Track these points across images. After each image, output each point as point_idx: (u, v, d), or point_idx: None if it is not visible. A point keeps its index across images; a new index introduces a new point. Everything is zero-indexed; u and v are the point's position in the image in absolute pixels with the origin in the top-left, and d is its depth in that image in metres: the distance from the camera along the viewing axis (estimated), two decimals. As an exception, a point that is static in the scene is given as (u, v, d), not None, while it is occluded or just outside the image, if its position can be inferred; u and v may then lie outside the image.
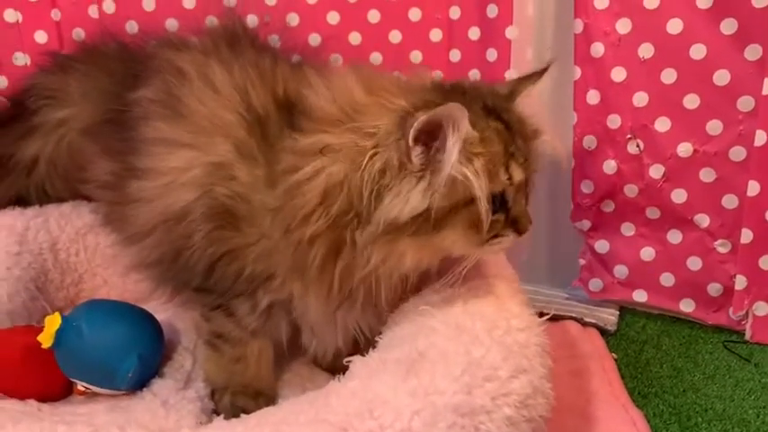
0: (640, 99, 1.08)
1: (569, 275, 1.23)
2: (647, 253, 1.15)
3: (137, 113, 0.92)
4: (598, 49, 1.08)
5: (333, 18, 1.20)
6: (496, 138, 0.73)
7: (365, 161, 0.70)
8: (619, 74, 1.08)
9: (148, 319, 0.92)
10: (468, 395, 0.64)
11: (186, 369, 0.91)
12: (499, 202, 0.74)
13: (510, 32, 1.15)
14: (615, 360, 1.04)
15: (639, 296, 1.17)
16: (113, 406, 0.85)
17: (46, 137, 1.10)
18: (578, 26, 1.09)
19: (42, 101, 1.11)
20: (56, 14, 1.21)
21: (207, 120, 0.84)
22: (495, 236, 0.75)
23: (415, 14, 1.19)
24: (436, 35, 1.20)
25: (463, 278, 0.86)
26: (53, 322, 0.83)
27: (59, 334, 0.83)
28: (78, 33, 1.23)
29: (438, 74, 1.11)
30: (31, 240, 1.04)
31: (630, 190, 1.12)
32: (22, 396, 0.87)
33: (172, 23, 1.21)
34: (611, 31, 1.07)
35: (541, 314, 0.83)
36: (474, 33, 1.19)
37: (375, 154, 0.70)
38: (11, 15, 1.19)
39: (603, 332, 1.12)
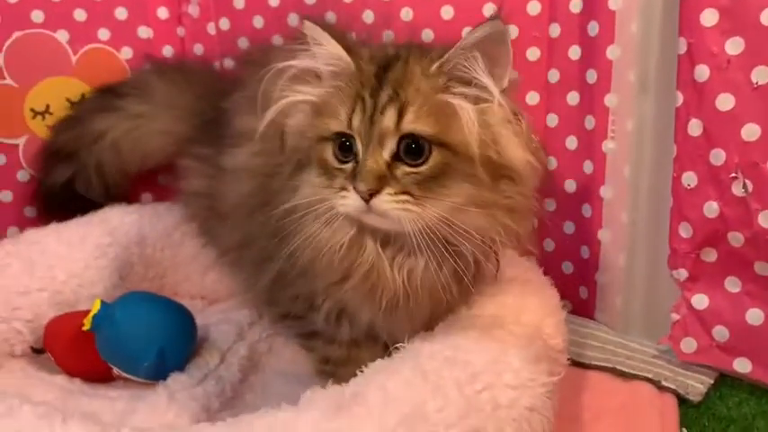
0: (750, 132, 0.91)
1: (665, 330, 1.06)
2: (755, 315, 0.96)
3: (229, 113, 0.99)
4: (703, 72, 0.93)
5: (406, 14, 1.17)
6: (357, 79, 0.72)
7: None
8: (726, 102, 0.92)
9: (182, 316, 0.96)
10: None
11: (209, 367, 0.94)
12: (353, 152, 0.71)
13: (611, 52, 1.05)
14: (683, 437, 0.88)
15: (741, 365, 0.98)
16: (135, 394, 0.90)
17: (120, 121, 1.20)
18: (682, 46, 0.95)
19: (130, 89, 1.21)
20: (181, 31, 1.33)
21: None
22: (343, 189, 0.71)
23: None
24: (534, 54, 1.13)
25: (486, 315, 0.81)
26: (94, 307, 0.91)
27: (96, 318, 0.90)
28: (199, 48, 1.34)
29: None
30: (122, 234, 1.14)
31: (735, 239, 0.95)
32: (72, 373, 0.96)
33: (278, 40, 1.27)
34: (719, 51, 0.92)
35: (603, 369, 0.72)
36: (575, 53, 1.10)
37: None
38: (143, 31, 1.32)
39: (685, 401, 0.95)
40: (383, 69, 0.73)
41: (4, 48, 1.24)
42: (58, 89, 1.28)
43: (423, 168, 0.70)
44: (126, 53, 1.31)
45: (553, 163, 1.14)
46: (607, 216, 1.12)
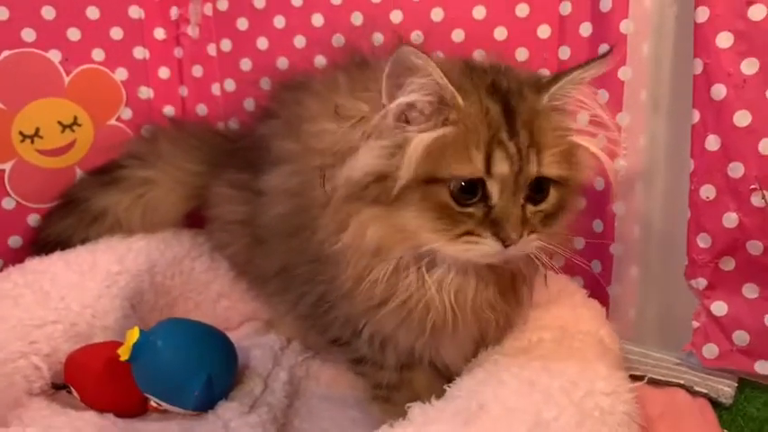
0: (768, 146, 0.97)
1: (681, 338, 1.11)
2: (774, 319, 1.02)
3: (266, 138, 0.96)
4: (719, 91, 0.99)
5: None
6: (483, 116, 0.67)
7: (354, 122, 0.69)
8: (743, 118, 0.98)
9: (223, 342, 0.92)
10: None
11: (255, 394, 0.90)
12: (481, 194, 0.67)
13: (623, 74, 1.09)
14: (727, 437, 0.91)
15: (763, 367, 1.02)
16: (181, 425, 0.86)
17: (125, 192, 1.15)
18: (698, 66, 1.00)
19: (132, 159, 1.17)
20: (178, 52, 1.30)
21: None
22: (470, 234, 0.67)
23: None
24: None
25: (549, 328, 0.81)
26: (132, 336, 0.86)
27: (136, 348, 0.85)
28: (198, 70, 1.30)
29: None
30: (131, 261, 1.08)
31: (754, 247, 1.00)
32: (101, 408, 0.90)
33: (283, 62, 1.25)
34: (734, 71, 0.98)
35: (634, 377, 0.74)
36: (584, 74, 1.14)
37: (363, 118, 0.69)
38: (139, 52, 1.27)
39: (716, 404, 0.99)
40: (505, 106, 0.70)
41: (-7, 67, 1.17)
42: (48, 111, 1.21)
43: (543, 206, 0.71)
44: (121, 74, 1.26)
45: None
46: (619, 231, 1.16)
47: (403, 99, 0.66)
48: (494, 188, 0.67)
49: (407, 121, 0.70)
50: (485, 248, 0.68)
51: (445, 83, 0.66)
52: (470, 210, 0.68)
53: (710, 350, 1.06)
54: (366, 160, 0.68)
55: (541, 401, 0.63)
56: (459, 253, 0.69)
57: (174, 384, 0.86)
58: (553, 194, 0.72)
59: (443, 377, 0.82)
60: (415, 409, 0.65)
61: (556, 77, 0.74)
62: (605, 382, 0.69)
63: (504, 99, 0.69)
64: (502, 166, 0.67)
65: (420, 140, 0.66)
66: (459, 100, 0.67)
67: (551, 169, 0.70)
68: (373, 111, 0.70)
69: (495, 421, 0.59)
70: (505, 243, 0.67)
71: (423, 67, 0.65)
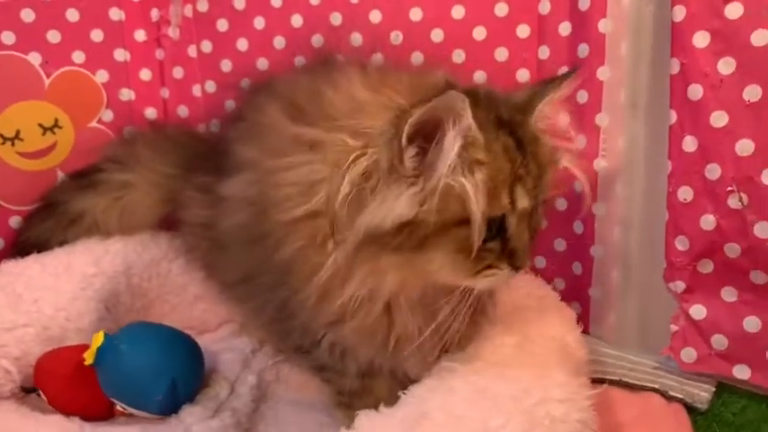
0: (745, 147, 0.95)
1: (662, 342, 1.09)
2: (752, 323, 1.00)
3: (231, 141, 0.95)
4: (696, 91, 0.97)
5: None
6: (504, 154, 0.66)
7: (349, 161, 0.65)
8: (720, 119, 0.96)
9: (189, 346, 0.92)
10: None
11: (220, 398, 0.90)
12: (497, 228, 0.67)
13: (601, 73, 1.08)
14: (700, 444, 0.90)
15: (741, 372, 1.01)
16: (145, 429, 0.86)
17: (103, 195, 1.15)
18: (675, 66, 0.99)
19: (110, 163, 1.17)
20: (159, 54, 1.30)
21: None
22: (489, 267, 0.67)
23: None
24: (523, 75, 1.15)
25: (513, 333, 0.80)
26: (96, 340, 0.86)
27: (100, 352, 0.85)
28: (179, 71, 1.30)
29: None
30: (107, 263, 1.08)
31: (732, 250, 0.98)
32: (68, 412, 0.90)
33: (263, 62, 1.25)
34: (711, 71, 0.96)
35: (596, 380, 0.73)
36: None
37: (362, 155, 0.65)
38: (120, 54, 1.27)
39: (692, 410, 0.98)
40: (515, 139, 0.69)
41: (-28, 71, 1.17)
42: (29, 114, 1.21)
43: (533, 223, 0.72)
44: (102, 76, 1.26)
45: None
46: (599, 233, 1.15)
47: (456, 148, 0.63)
48: (512, 222, 0.68)
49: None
50: (502, 278, 0.69)
51: (473, 123, 0.64)
52: (491, 245, 0.68)
53: (689, 354, 1.04)
54: (399, 210, 0.64)
55: (489, 409, 0.62)
56: (478, 286, 0.69)
57: (138, 388, 0.86)
58: (538, 210, 0.74)
59: (405, 383, 0.81)
60: (362, 417, 0.65)
61: (532, 98, 0.74)
62: (561, 390, 0.68)
63: (512, 131, 0.69)
64: (523, 201, 0.68)
65: (476, 184, 0.64)
66: (481, 138, 0.66)
67: (549, 192, 0.72)
68: (370, 147, 0.67)
69: (439, 428, 0.59)
70: (518, 269, 0.70)
71: (465, 110, 0.62)
